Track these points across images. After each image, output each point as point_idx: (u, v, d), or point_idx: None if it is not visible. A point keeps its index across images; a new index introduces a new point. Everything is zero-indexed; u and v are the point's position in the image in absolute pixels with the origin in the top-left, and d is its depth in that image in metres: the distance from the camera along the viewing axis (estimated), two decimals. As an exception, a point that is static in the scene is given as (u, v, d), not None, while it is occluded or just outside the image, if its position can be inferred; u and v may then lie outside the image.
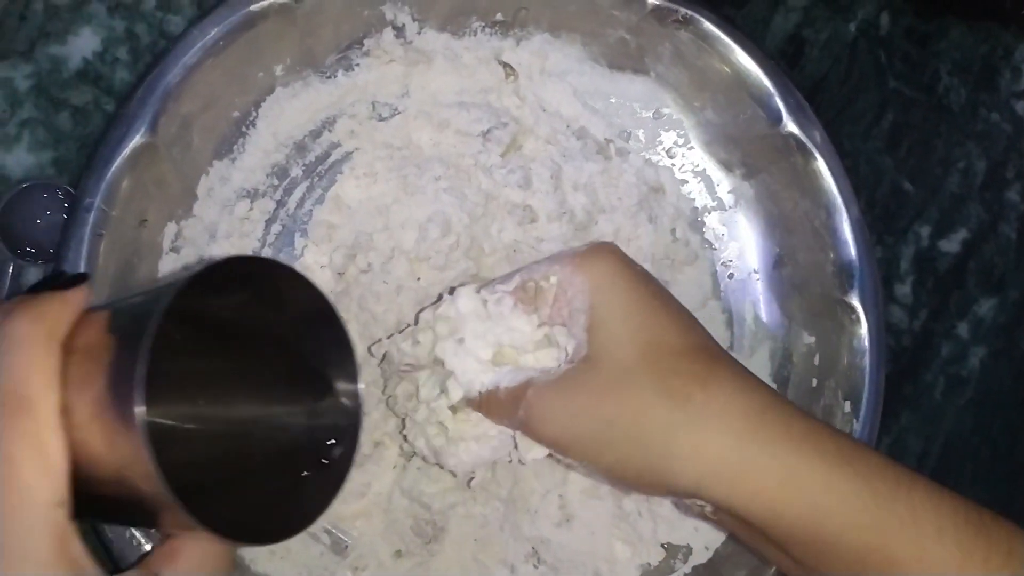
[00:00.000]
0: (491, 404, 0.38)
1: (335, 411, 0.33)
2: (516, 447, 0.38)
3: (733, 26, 0.47)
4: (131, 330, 0.26)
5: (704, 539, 0.46)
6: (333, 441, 0.32)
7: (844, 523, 0.32)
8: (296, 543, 0.45)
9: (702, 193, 0.51)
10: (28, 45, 0.49)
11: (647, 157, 0.50)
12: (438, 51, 0.48)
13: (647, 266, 0.48)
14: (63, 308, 0.27)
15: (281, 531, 0.29)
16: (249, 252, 0.46)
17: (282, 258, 0.46)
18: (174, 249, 0.45)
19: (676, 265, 0.49)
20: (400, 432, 0.42)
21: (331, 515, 0.44)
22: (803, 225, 0.48)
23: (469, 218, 0.45)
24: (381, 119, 0.48)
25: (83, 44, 0.49)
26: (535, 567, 0.45)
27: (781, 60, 0.56)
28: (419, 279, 0.45)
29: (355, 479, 0.44)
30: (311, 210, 0.47)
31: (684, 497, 0.35)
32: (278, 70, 0.46)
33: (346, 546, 0.45)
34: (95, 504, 0.26)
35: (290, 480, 0.32)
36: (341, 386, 0.33)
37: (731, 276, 0.51)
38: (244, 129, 0.47)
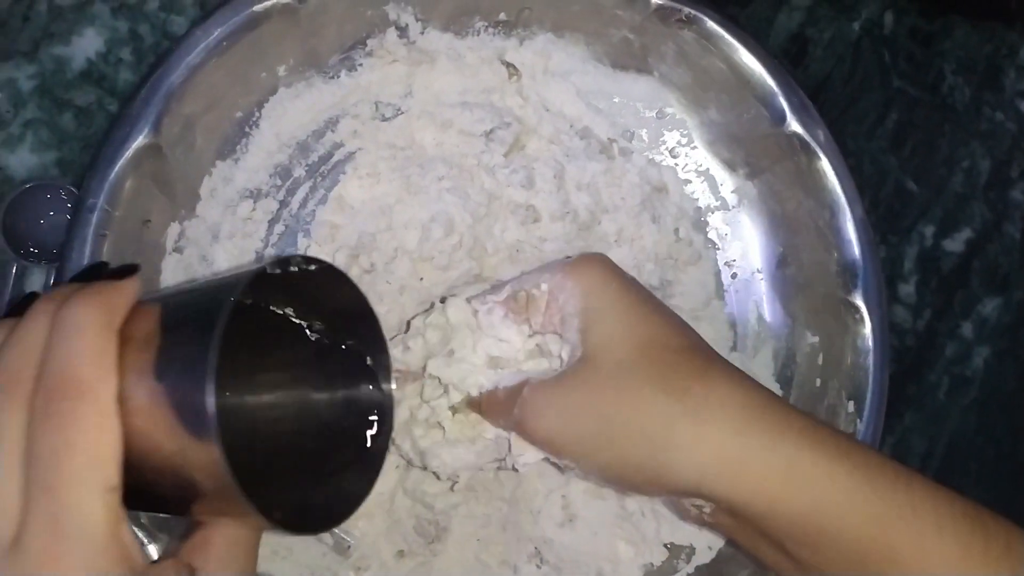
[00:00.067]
0: (490, 404, 0.38)
1: (369, 402, 0.34)
2: (510, 450, 0.37)
3: (737, 25, 0.47)
4: (192, 322, 0.27)
5: (707, 539, 0.46)
6: (369, 429, 0.33)
7: (845, 516, 0.32)
8: (298, 543, 0.45)
9: (705, 193, 0.51)
10: (32, 46, 0.49)
11: (650, 157, 0.50)
12: (441, 51, 0.48)
13: (650, 266, 0.48)
14: (120, 297, 0.28)
15: (327, 519, 0.30)
16: (252, 252, 0.47)
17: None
18: (177, 249, 0.45)
19: (679, 265, 0.49)
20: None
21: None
22: (807, 225, 0.48)
23: (472, 218, 0.45)
24: (384, 119, 0.48)
25: (87, 45, 0.50)
26: (538, 567, 0.45)
27: (785, 59, 0.56)
28: (422, 279, 0.45)
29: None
30: (314, 210, 0.47)
31: (683, 495, 0.34)
32: (281, 70, 0.47)
33: (348, 546, 0.45)
34: (131, 490, 0.27)
35: (323, 470, 0.32)
36: (373, 382, 0.34)
37: (734, 276, 0.51)
38: (247, 129, 0.47)
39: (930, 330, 0.57)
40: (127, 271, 0.29)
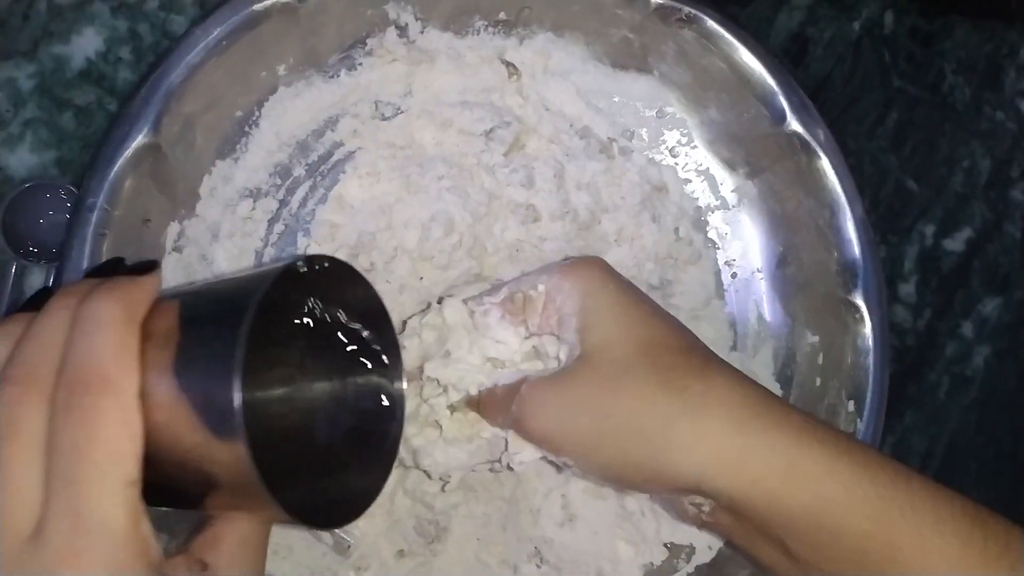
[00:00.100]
0: (489, 402, 0.38)
1: (380, 400, 0.34)
2: (507, 448, 0.37)
3: (737, 25, 0.47)
4: (215, 319, 0.27)
5: (707, 538, 0.46)
6: (381, 426, 0.34)
7: (846, 511, 0.32)
8: (298, 543, 0.45)
9: (705, 192, 0.51)
10: (31, 45, 0.49)
11: (650, 156, 0.50)
12: (441, 50, 0.48)
13: (650, 265, 0.48)
14: (141, 293, 0.28)
15: (341, 515, 0.30)
16: (251, 252, 0.47)
17: (284, 257, 0.47)
18: (177, 249, 0.45)
19: (679, 264, 0.49)
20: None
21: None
22: (807, 224, 0.48)
23: (472, 217, 0.45)
24: (384, 118, 0.48)
25: (86, 44, 0.50)
26: (538, 567, 0.45)
27: (785, 59, 0.56)
28: (422, 278, 0.45)
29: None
30: (314, 209, 0.47)
31: (683, 492, 0.34)
32: (281, 70, 0.46)
33: (348, 546, 0.45)
34: (147, 485, 0.27)
35: (335, 467, 0.33)
36: (385, 380, 0.35)
37: (735, 275, 0.51)
38: (247, 129, 0.47)
39: (930, 330, 0.57)
40: (147, 267, 0.29)
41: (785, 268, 0.50)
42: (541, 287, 0.38)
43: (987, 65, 0.59)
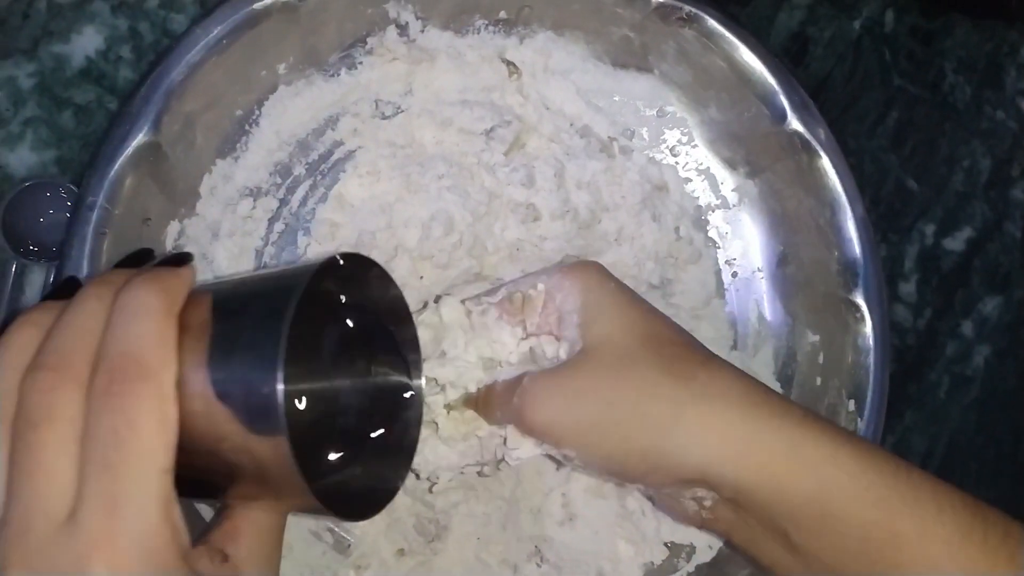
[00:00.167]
0: (487, 398, 0.38)
1: (399, 395, 0.36)
2: (505, 443, 0.37)
3: (737, 24, 0.47)
4: (253, 313, 0.28)
5: (707, 538, 0.46)
6: (400, 420, 0.35)
7: (850, 499, 0.32)
8: (298, 542, 0.45)
9: (706, 191, 0.51)
10: (31, 43, 0.49)
11: (651, 155, 0.50)
12: (441, 49, 0.48)
13: (650, 264, 0.48)
14: (179, 284, 0.28)
15: (369, 505, 0.31)
16: (252, 251, 0.47)
17: (285, 256, 0.47)
18: (177, 247, 0.45)
19: (680, 263, 0.49)
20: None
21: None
22: (807, 223, 0.48)
23: (472, 216, 0.45)
24: (384, 117, 0.48)
25: (86, 42, 0.49)
26: (538, 566, 0.45)
27: (785, 58, 0.56)
28: (422, 278, 0.45)
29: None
30: (314, 208, 0.47)
31: (687, 482, 0.34)
32: (281, 68, 0.46)
33: (349, 545, 0.45)
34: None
35: (357, 459, 0.34)
36: (405, 376, 0.36)
37: (735, 274, 0.51)
38: (247, 127, 0.47)
39: (931, 329, 0.57)
40: (182, 259, 0.30)
41: (785, 267, 0.50)
42: (541, 286, 0.38)
43: (988, 64, 0.59)
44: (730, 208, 0.51)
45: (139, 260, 0.31)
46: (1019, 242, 0.58)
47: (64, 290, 0.30)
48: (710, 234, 0.51)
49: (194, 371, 0.27)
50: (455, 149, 0.48)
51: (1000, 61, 0.59)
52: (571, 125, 0.49)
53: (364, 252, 0.45)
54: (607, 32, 0.49)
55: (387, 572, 0.44)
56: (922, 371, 0.57)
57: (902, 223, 0.57)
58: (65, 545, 0.24)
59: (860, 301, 0.45)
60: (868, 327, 0.45)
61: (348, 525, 0.45)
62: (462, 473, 0.41)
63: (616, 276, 0.39)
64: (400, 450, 0.35)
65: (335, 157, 0.48)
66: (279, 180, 0.47)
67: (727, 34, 0.46)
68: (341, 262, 0.31)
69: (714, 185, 0.51)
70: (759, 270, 0.50)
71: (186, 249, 0.45)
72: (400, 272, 0.45)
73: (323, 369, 0.34)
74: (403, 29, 0.47)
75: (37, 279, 0.48)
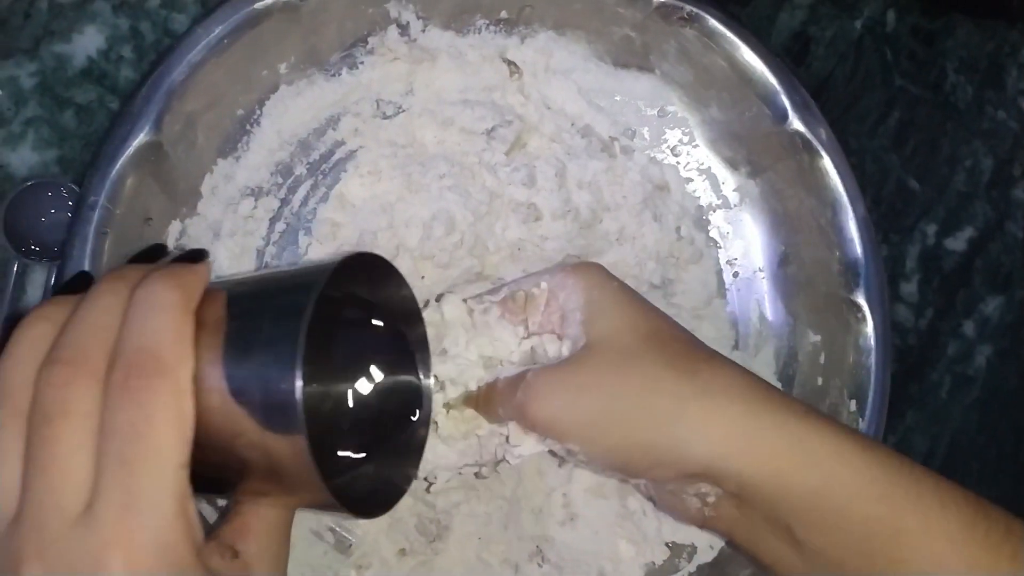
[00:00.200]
0: (488, 395, 0.38)
1: (409, 394, 0.36)
2: (508, 441, 0.37)
3: (739, 23, 0.47)
4: (269, 311, 0.28)
5: (709, 538, 0.46)
6: (409, 418, 0.36)
7: (854, 493, 0.32)
8: (299, 541, 0.45)
9: (707, 191, 0.51)
10: (33, 43, 0.49)
11: (652, 155, 0.50)
12: (442, 49, 0.48)
13: (651, 264, 0.48)
14: (197, 279, 0.28)
15: (379, 503, 0.32)
16: (253, 250, 0.47)
17: (286, 256, 0.47)
18: (178, 247, 0.45)
19: (681, 263, 0.49)
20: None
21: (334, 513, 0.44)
22: (808, 223, 0.48)
23: (473, 216, 0.45)
24: (385, 117, 0.48)
25: (87, 42, 0.50)
26: (539, 566, 0.45)
27: (787, 58, 0.56)
28: (423, 277, 0.45)
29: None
30: (315, 208, 0.47)
31: (691, 476, 0.34)
32: (282, 68, 0.46)
33: (350, 544, 0.45)
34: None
35: (367, 457, 0.34)
36: (414, 375, 0.36)
37: (736, 274, 0.51)
38: (248, 127, 0.47)
39: (932, 329, 0.57)
40: (198, 255, 0.30)
41: (787, 267, 0.50)
42: (544, 284, 0.38)
43: (989, 64, 0.59)
44: (731, 208, 0.51)
45: (152, 256, 0.31)
46: (1021, 242, 0.58)
47: (75, 284, 0.30)
48: (711, 234, 0.51)
49: (210, 367, 0.27)
50: (456, 149, 0.48)
51: (1001, 61, 0.59)
52: (572, 125, 0.49)
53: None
54: (608, 32, 0.49)
55: (388, 572, 0.44)
56: (923, 371, 0.57)
57: (903, 223, 0.57)
58: (81, 540, 0.24)
59: (861, 301, 0.45)
60: (869, 327, 0.45)
61: (349, 524, 0.45)
62: (460, 473, 0.41)
63: (617, 276, 0.39)
64: (409, 448, 0.35)
65: (336, 157, 0.48)
66: (280, 180, 0.47)
67: (728, 34, 0.46)
68: (355, 261, 0.31)
69: (715, 185, 0.51)
70: (760, 270, 0.50)
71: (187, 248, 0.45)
72: (401, 272, 0.45)
73: (335, 367, 0.34)
74: (404, 29, 0.47)
75: (39, 279, 0.48)
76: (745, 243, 0.51)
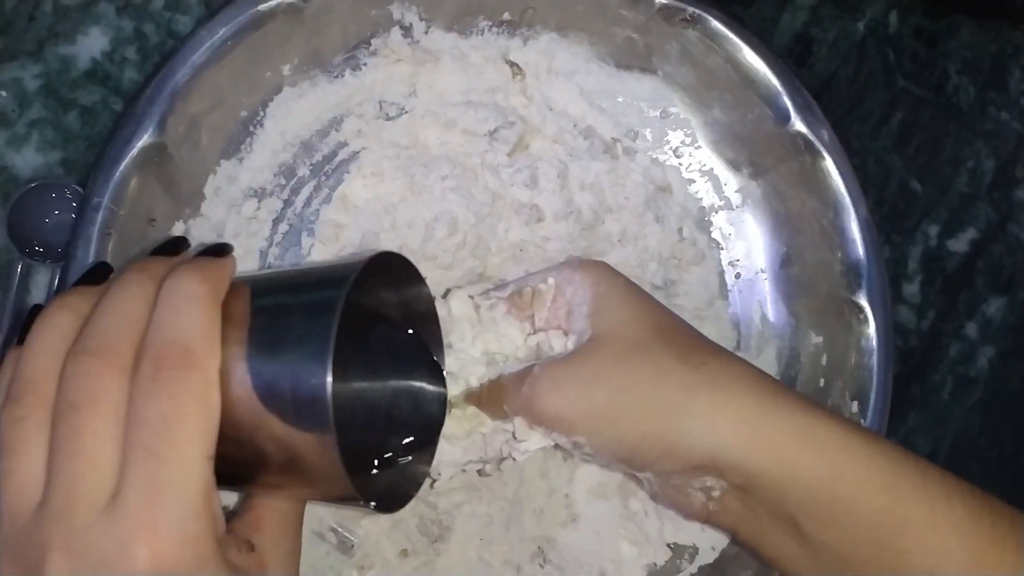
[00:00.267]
0: (492, 392, 0.38)
1: (422, 393, 0.36)
2: (513, 437, 0.37)
3: (741, 25, 0.47)
4: (296, 307, 0.28)
5: (710, 539, 0.46)
6: (422, 418, 0.36)
7: (860, 484, 0.32)
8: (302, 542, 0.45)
9: (709, 192, 0.51)
10: (37, 45, 0.49)
11: (654, 156, 0.50)
12: (445, 50, 0.48)
13: (654, 266, 0.48)
14: (225, 273, 0.28)
15: (395, 498, 0.32)
16: (256, 251, 0.47)
17: (289, 257, 0.47)
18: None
19: (683, 264, 0.49)
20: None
21: (337, 514, 0.44)
22: (811, 224, 0.48)
23: (476, 217, 0.45)
24: (388, 118, 0.49)
25: (92, 44, 0.50)
26: (541, 566, 0.45)
27: (789, 59, 0.56)
28: (425, 278, 0.45)
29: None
30: (318, 209, 0.47)
31: (698, 467, 0.34)
32: (286, 70, 0.47)
33: (352, 545, 0.45)
34: None
35: (381, 455, 0.35)
36: (427, 376, 0.37)
37: (738, 276, 0.51)
38: (252, 129, 0.47)
39: (934, 330, 0.57)
40: (222, 249, 0.30)
41: (789, 268, 0.50)
42: (551, 280, 0.39)
43: (992, 65, 0.59)
44: (733, 209, 0.51)
45: (174, 248, 0.31)
46: (1023, 243, 0.58)
47: (95, 276, 0.30)
48: (713, 235, 0.51)
49: (234, 361, 0.27)
50: (459, 150, 0.48)
51: (1004, 62, 0.59)
52: (575, 126, 0.49)
53: (367, 253, 0.46)
54: (611, 33, 0.49)
55: (390, 572, 0.44)
56: (926, 372, 0.57)
57: (906, 224, 0.57)
58: (107, 528, 0.25)
59: (863, 302, 0.45)
60: (871, 328, 0.45)
61: (351, 525, 0.45)
62: (463, 471, 0.41)
63: None
64: (423, 445, 0.35)
65: (339, 158, 0.48)
66: (283, 181, 0.48)
67: (731, 35, 0.46)
68: (378, 260, 0.31)
69: (717, 186, 0.51)
70: (762, 271, 0.50)
71: (191, 250, 0.45)
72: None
73: (356, 363, 0.35)
74: (407, 30, 0.47)
75: (43, 280, 0.48)
76: (747, 244, 0.51)
